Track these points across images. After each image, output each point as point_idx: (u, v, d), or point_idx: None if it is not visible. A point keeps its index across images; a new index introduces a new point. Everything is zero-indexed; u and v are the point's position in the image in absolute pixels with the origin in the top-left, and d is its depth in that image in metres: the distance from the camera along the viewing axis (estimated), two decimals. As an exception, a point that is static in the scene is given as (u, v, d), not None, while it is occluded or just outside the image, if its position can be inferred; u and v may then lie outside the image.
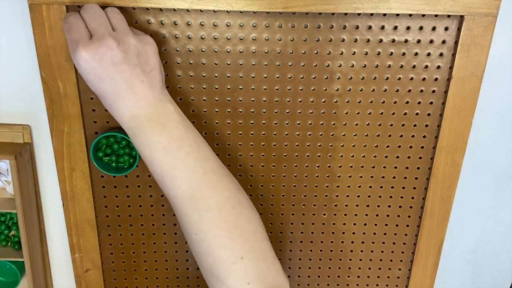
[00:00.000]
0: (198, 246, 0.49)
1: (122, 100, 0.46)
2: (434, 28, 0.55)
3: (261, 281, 0.49)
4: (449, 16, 0.54)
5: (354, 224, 0.67)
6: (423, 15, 0.54)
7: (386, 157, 0.62)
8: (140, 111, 0.47)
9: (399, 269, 0.70)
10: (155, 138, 0.47)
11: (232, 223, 0.49)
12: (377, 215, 0.66)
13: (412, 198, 0.65)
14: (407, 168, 0.63)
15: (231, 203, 0.49)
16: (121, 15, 0.48)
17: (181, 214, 0.49)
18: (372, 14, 0.54)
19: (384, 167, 0.63)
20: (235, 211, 0.49)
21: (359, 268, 0.70)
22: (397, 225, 0.67)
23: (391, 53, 0.56)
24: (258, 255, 0.50)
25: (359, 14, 0.54)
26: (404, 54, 0.56)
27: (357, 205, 0.65)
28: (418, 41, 0.56)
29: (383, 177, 0.63)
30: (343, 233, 0.67)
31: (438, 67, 0.57)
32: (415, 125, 0.60)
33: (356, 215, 0.66)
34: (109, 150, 0.59)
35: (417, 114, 0.60)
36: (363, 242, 0.68)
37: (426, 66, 0.57)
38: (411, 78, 0.58)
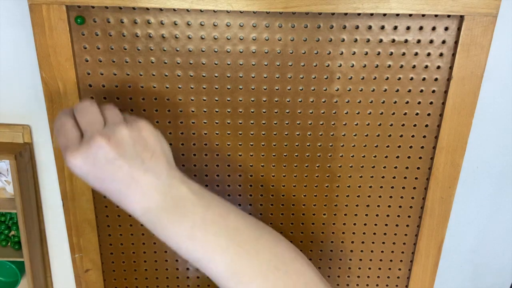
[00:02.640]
0: None
1: (129, 197, 0.43)
2: (434, 28, 0.55)
3: None
4: (449, 16, 0.54)
5: (354, 224, 0.67)
6: (423, 15, 0.54)
7: (386, 157, 0.62)
8: (151, 203, 0.44)
9: (399, 269, 0.70)
10: (175, 229, 0.44)
11: (281, 283, 0.46)
12: (377, 215, 0.66)
13: (412, 198, 0.65)
14: (407, 168, 0.63)
15: (274, 265, 0.46)
16: (114, 108, 0.45)
17: None
18: (372, 14, 0.54)
19: (384, 167, 0.63)
20: (280, 271, 0.47)
21: (359, 268, 0.70)
22: (397, 225, 0.67)
23: (391, 53, 0.56)
24: None
25: (359, 14, 0.54)
26: (404, 54, 0.56)
27: (357, 205, 0.65)
28: (418, 41, 0.56)
29: (383, 177, 0.63)
30: (343, 233, 0.67)
31: (438, 67, 0.57)
32: (415, 125, 0.60)
33: (356, 215, 0.66)
34: None
35: (417, 114, 0.60)
36: (363, 242, 0.68)
37: (426, 66, 0.57)
38: (411, 78, 0.58)
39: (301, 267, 0.48)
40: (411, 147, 0.62)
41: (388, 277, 0.70)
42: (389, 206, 0.65)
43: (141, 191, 0.43)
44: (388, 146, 0.61)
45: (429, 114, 0.60)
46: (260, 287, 0.46)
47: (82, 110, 0.44)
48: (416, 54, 0.56)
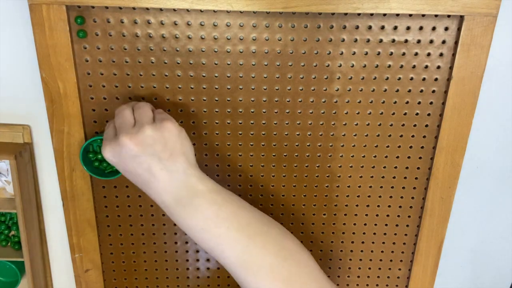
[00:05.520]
0: None
1: (150, 189, 0.49)
2: (434, 28, 0.55)
3: None
4: (449, 16, 0.54)
5: (354, 224, 0.67)
6: (423, 15, 0.54)
7: (386, 157, 0.62)
8: (168, 197, 0.49)
9: (399, 269, 0.70)
10: (190, 222, 0.49)
11: (287, 273, 0.50)
12: (377, 215, 0.66)
13: (412, 198, 0.65)
14: (407, 168, 0.63)
15: (282, 255, 0.51)
16: (145, 107, 0.51)
17: (236, 277, 0.51)
18: (372, 14, 0.54)
19: (384, 167, 0.63)
20: (287, 261, 0.51)
21: (359, 268, 0.70)
22: (397, 225, 0.67)
23: (391, 53, 0.56)
24: None
25: (359, 14, 0.54)
26: (404, 54, 0.56)
27: (357, 205, 0.65)
28: (418, 41, 0.56)
29: (383, 177, 0.63)
30: (343, 233, 0.67)
31: (438, 67, 0.57)
32: (415, 125, 0.60)
33: (356, 215, 0.66)
34: (101, 156, 0.59)
35: (417, 114, 0.60)
36: (363, 242, 0.68)
37: (426, 66, 0.57)
38: (411, 78, 0.58)
39: (305, 258, 0.53)
40: (411, 147, 0.62)
41: (388, 277, 0.70)
42: (389, 206, 0.65)
43: (159, 186, 0.49)
44: (388, 146, 0.61)
45: (429, 114, 0.60)
46: (268, 275, 0.49)
47: (119, 113, 0.51)
48: (416, 54, 0.56)
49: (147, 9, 0.53)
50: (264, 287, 0.49)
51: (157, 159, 0.48)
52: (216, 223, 0.49)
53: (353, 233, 0.67)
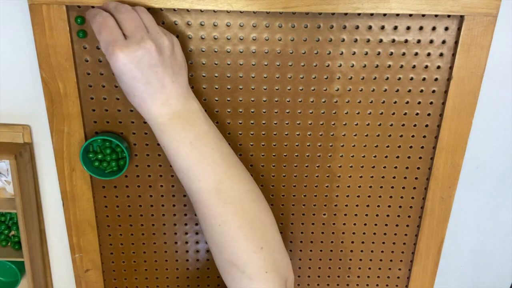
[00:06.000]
0: (220, 237, 0.51)
1: (153, 99, 0.48)
2: (434, 28, 0.55)
3: (277, 270, 0.52)
4: (449, 16, 0.54)
5: (354, 224, 0.67)
6: (423, 15, 0.54)
7: (386, 157, 0.62)
8: (169, 108, 0.49)
9: (399, 269, 0.70)
10: (182, 133, 0.49)
11: (252, 215, 0.52)
12: (377, 215, 0.66)
13: (412, 198, 0.65)
14: (407, 168, 0.63)
15: (252, 196, 0.52)
16: (150, 15, 0.49)
17: (204, 207, 0.51)
18: (372, 14, 0.54)
19: (384, 167, 0.63)
20: (255, 204, 0.52)
21: (359, 268, 0.70)
22: (397, 225, 0.67)
23: (391, 53, 0.56)
24: (274, 246, 0.53)
25: (359, 14, 0.54)
26: (404, 54, 0.56)
27: (357, 205, 0.65)
28: (418, 41, 0.56)
29: (383, 177, 0.63)
30: (343, 233, 0.67)
31: (438, 67, 0.57)
32: (415, 125, 0.60)
33: (356, 215, 0.66)
34: (101, 156, 0.59)
35: (417, 114, 0.60)
36: (363, 242, 0.68)
37: (426, 66, 0.57)
38: (411, 78, 0.58)
39: (268, 208, 0.55)
40: (411, 147, 0.62)
41: (388, 277, 0.70)
42: (389, 206, 0.65)
43: (164, 97, 0.48)
44: (388, 146, 0.61)
45: (429, 114, 0.60)
46: (236, 209, 0.51)
47: (126, 13, 0.47)
48: (416, 54, 0.56)
49: (147, 9, 0.53)
50: (230, 220, 0.50)
51: (171, 71, 0.48)
52: (205, 141, 0.50)
53: (353, 233, 0.67)
